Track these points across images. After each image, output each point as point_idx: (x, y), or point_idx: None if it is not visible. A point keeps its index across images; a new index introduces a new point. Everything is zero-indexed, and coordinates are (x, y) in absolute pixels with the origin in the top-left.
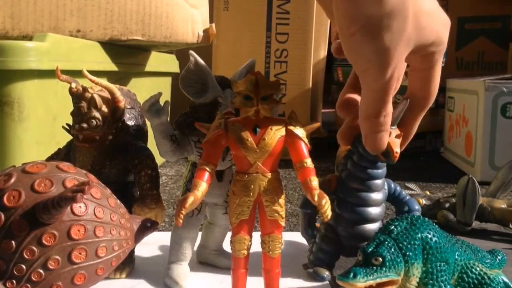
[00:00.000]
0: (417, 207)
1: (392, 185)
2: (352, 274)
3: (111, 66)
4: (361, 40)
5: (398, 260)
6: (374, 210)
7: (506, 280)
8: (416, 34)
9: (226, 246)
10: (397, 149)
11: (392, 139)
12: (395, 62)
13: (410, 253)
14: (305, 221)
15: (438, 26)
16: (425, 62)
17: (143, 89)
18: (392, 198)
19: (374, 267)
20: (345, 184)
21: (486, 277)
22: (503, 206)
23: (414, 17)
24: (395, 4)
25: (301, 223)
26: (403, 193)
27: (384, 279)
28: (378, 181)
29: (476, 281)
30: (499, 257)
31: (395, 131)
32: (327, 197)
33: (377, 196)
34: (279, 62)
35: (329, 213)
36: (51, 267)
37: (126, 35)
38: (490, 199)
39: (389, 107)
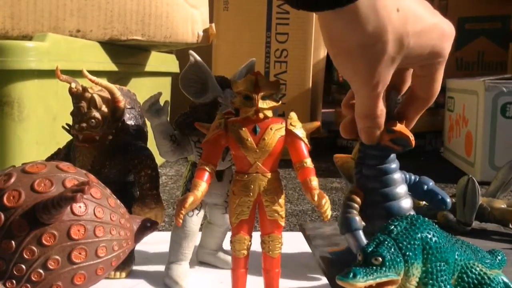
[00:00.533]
0: (431, 183)
1: (406, 175)
2: (352, 274)
3: (111, 66)
4: (341, 61)
5: (398, 260)
6: (401, 203)
7: (506, 280)
8: (401, 54)
9: (226, 246)
10: (409, 134)
11: (402, 127)
12: (376, 79)
13: (410, 253)
14: (358, 241)
15: (434, 41)
16: (424, 70)
17: (143, 89)
18: (410, 186)
19: (374, 267)
20: (367, 188)
21: (486, 277)
22: (503, 206)
23: (398, 39)
24: (372, 32)
25: (353, 245)
26: (412, 176)
27: (384, 279)
28: (395, 175)
29: (476, 281)
30: (499, 257)
31: (396, 121)
32: (326, 197)
33: (400, 189)
34: (279, 62)
35: (329, 213)
36: (51, 267)
37: (126, 35)
38: (490, 199)
39: (379, 110)
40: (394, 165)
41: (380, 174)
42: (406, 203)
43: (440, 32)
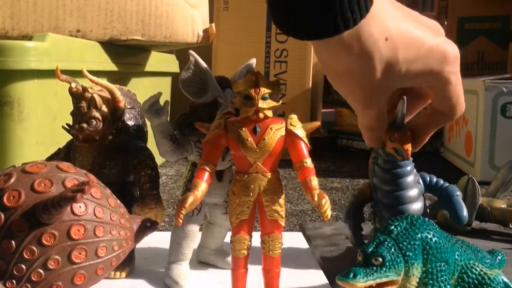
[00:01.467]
0: (458, 193)
1: (428, 178)
2: (352, 274)
3: (111, 66)
4: (333, 83)
5: (398, 260)
6: (413, 206)
7: (506, 280)
8: (393, 80)
9: (226, 246)
10: (407, 147)
11: (402, 137)
12: (369, 101)
13: (410, 253)
14: (352, 231)
15: (432, 66)
16: (433, 89)
17: (143, 89)
18: (430, 188)
19: (374, 267)
20: (379, 188)
21: (486, 277)
22: (503, 206)
23: (386, 67)
24: (358, 61)
25: (348, 233)
26: (441, 181)
27: (384, 279)
28: (408, 178)
29: (476, 281)
30: (499, 257)
31: (402, 130)
32: (326, 197)
33: (412, 192)
34: (279, 62)
35: (329, 213)
36: (51, 267)
37: (126, 35)
38: (490, 199)
39: (377, 124)
40: (408, 168)
41: (393, 178)
42: (416, 205)
43: (440, 55)
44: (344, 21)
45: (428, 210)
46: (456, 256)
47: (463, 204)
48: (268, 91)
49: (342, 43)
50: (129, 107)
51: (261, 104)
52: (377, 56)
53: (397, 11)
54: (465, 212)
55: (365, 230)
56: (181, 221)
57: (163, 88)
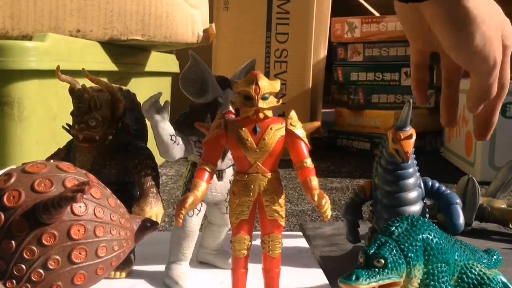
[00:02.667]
0: (457, 200)
1: (430, 182)
2: (354, 276)
3: (111, 66)
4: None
5: (400, 261)
6: (411, 208)
7: (504, 280)
8: (495, 31)
9: (226, 246)
10: (407, 150)
11: (406, 140)
12: (494, 49)
13: (412, 255)
14: (348, 227)
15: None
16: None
17: (143, 89)
18: (432, 194)
19: (376, 269)
20: (379, 188)
21: (485, 277)
22: (503, 206)
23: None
24: (478, 17)
25: (345, 228)
26: (442, 188)
27: (387, 281)
28: (409, 181)
29: (475, 282)
30: (495, 257)
31: (406, 132)
32: (326, 197)
33: (411, 195)
34: (279, 62)
35: (329, 213)
36: (51, 267)
37: (126, 35)
38: (490, 199)
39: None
40: (410, 170)
41: (394, 179)
42: (414, 208)
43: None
44: None
45: (427, 211)
46: (456, 257)
47: (460, 212)
48: (268, 91)
49: None
50: (129, 107)
51: (261, 104)
52: (482, 16)
53: None
54: (461, 221)
55: (363, 229)
56: (181, 221)
57: (163, 88)
